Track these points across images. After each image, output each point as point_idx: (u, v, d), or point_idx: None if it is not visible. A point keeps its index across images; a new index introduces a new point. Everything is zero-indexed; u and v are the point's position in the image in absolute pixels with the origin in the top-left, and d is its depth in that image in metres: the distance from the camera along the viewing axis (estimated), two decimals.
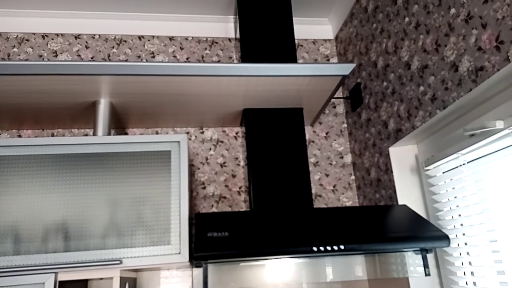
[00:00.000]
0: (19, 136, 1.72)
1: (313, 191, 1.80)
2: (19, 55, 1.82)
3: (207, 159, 1.78)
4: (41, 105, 1.52)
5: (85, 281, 1.52)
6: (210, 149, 1.80)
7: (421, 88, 1.28)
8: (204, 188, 1.74)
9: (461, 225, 1.24)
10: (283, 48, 1.69)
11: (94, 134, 1.50)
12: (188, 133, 1.80)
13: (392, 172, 1.47)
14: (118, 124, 1.73)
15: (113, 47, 1.89)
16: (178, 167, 1.38)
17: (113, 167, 1.35)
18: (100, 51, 1.88)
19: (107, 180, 1.34)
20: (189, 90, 1.48)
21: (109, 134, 1.52)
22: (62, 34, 1.88)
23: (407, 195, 1.44)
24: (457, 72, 1.11)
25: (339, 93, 1.99)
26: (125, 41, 1.91)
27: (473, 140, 1.14)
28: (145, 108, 1.60)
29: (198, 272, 1.60)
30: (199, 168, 1.77)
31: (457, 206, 1.26)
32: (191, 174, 1.75)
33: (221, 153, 1.80)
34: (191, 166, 1.76)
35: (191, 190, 1.71)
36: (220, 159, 1.79)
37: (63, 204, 1.29)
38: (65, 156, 1.34)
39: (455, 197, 1.27)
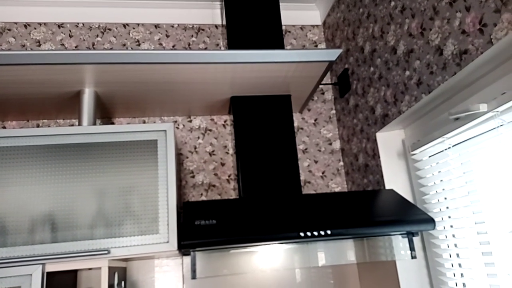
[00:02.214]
0: (3, 127, 1.70)
1: (302, 177, 1.81)
2: (0, 45, 1.78)
3: (195, 147, 1.78)
4: (25, 96, 1.49)
5: (74, 273, 1.52)
6: (198, 137, 1.79)
7: (407, 72, 1.28)
8: (193, 177, 1.73)
9: (447, 208, 1.26)
10: (270, 34, 1.67)
11: (79, 124, 1.48)
12: (175, 122, 1.79)
13: (379, 157, 1.48)
14: (104, 114, 1.71)
15: (97, 36, 1.86)
16: (165, 156, 1.37)
17: (99, 157, 1.34)
18: (84, 40, 1.85)
19: (94, 170, 1.32)
20: (176, 78, 1.47)
21: (94, 124, 1.50)
22: (45, 23, 1.84)
23: (394, 179, 1.45)
24: (442, 56, 1.11)
25: (327, 79, 1.98)
26: (109, 29, 1.88)
27: (458, 123, 1.15)
28: (131, 97, 1.59)
29: (188, 260, 1.61)
30: (187, 157, 1.76)
31: (443, 189, 1.27)
32: (180, 163, 1.74)
33: (210, 142, 1.80)
34: (179, 155, 1.75)
35: (180, 179, 1.71)
36: (208, 148, 1.79)
37: (50, 195, 1.28)
38: (51, 147, 1.32)
39: (441, 180, 1.28)
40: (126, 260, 1.54)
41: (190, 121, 1.81)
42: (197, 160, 1.76)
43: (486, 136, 1.10)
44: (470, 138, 1.16)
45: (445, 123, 1.24)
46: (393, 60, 1.37)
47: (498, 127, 1.04)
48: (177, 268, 1.60)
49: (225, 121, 1.84)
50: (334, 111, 1.93)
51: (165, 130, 1.40)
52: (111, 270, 1.30)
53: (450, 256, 1.24)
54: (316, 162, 1.84)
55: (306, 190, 1.80)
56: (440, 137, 1.22)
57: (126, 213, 1.30)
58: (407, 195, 1.44)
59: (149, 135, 1.39)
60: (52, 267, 1.20)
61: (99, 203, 1.30)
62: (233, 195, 1.74)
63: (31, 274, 1.18)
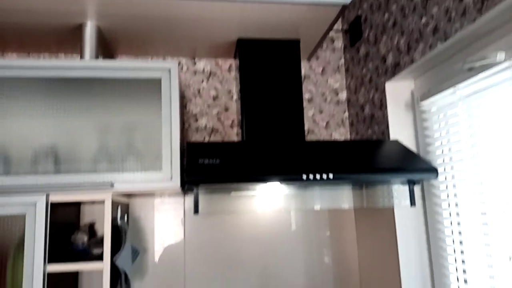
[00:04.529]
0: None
1: (306, 126, 1.80)
2: None
3: (199, 91, 1.75)
4: (25, 26, 1.44)
5: (78, 206, 1.55)
6: (202, 81, 1.76)
7: (424, 19, 1.23)
8: (196, 120, 1.72)
9: (450, 159, 1.26)
10: None
11: (81, 58, 1.44)
12: (179, 63, 1.75)
13: (386, 108, 1.46)
14: (106, 50, 1.66)
15: None
16: (169, 95, 1.34)
17: (102, 93, 1.32)
18: None
19: (97, 106, 1.31)
20: (181, 15, 1.41)
21: (96, 59, 1.46)
22: None
23: (400, 131, 1.44)
24: (462, 1, 1.05)
25: (338, 26, 1.91)
26: None
27: (471, 73, 1.11)
28: (134, 34, 1.53)
29: (189, 199, 1.64)
30: (191, 100, 1.73)
31: (448, 141, 1.26)
32: (183, 106, 1.72)
33: (214, 86, 1.76)
34: (182, 97, 1.72)
35: (183, 122, 1.70)
36: (212, 92, 1.76)
37: (52, 129, 1.27)
38: (53, 80, 1.30)
39: (447, 132, 1.27)
40: (128, 196, 1.56)
41: (195, 63, 1.76)
42: (201, 104, 1.74)
43: (499, 87, 1.07)
44: (482, 90, 1.13)
45: (458, 73, 1.21)
46: (410, 6, 1.30)
47: None
48: (179, 207, 1.63)
49: (230, 66, 1.80)
50: (343, 61, 1.88)
51: (169, 69, 1.36)
52: (114, 204, 1.32)
53: (449, 206, 1.26)
54: (321, 112, 1.82)
55: (309, 139, 1.79)
56: (451, 87, 1.19)
57: (129, 150, 1.30)
58: (411, 146, 1.43)
59: (153, 73, 1.35)
60: (56, 197, 1.22)
61: (102, 139, 1.29)
62: (236, 140, 1.74)
63: (35, 203, 1.20)
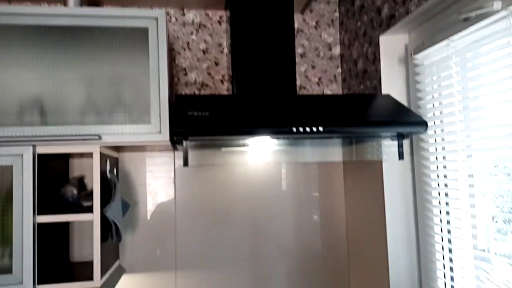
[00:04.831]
0: None
1: (298, 82, 1.77)
2: None
3: (188, 44, 1.69)
4: None
5: (66, 161, 1.54)
6: (191, 33, 1.70)
7: None
8: (186, 74, 1.68)
9: (440, 113, 1.25)
10: None
11: (65, 5, 1.37)
12: (168, 14, 1.68)
13: (379, 62, 1.43)
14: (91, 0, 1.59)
15: None
16: (156, 46, 1.30)
17: (87, 43, 1.27)
18: None
19: (82, 56, 1.26)
20: None
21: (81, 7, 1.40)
22: None
23: (392, 85, 1.43)
24: None
25: None
26: None
27: (467, 24, 1.09)
28: None
29: (180, 155, 1.63)
30: (180, 53, 1.68)
31: (439, 94, 1.26)
32: (172, 59, 1.68)
33: (204, 38, 1.71)
34: (171, 50, 1.67)
35: (171, 76, 1.66)
36: (202, 45, 1.71)
37: (37, 79, 1.23)
38: (36, 29, 1.24)
39: (438, 85, 1.26)
40: (118, 151, 1.55)
41: (183, 14, 1.70)
42: (190, 57, 1.69)
43: (493, 38, 1.04)
44: (476, 42, 1.11)
45: (453, 25, 1.18)
46: None
47: (510, 28, 0.98)
48: (169, 162, 1.63)
49: (220, 17, 1.73)
50: (337, 14, 1.82)
51: (156, 18, 1.31)
52: (103, 157, 1.31)
53: (437, 159, 1.28)
54: (313, 67, 1.79)
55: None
56: (446, 39, 1.17)
57: (117, 102, 1.27)
58: (403, 101, 1.43)
59: (139, 22, 1.30)
60: (43, 149, 1.21)
61: (89, 91, 1.26)
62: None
63: (22, 154, 1.18)
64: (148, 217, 1.60)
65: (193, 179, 1.64)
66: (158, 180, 1.61)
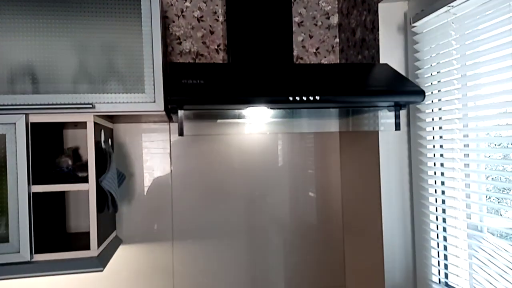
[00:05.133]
0: None
1: (295, 53, 1.74)
2: None
3: (182, 11, 1.65)
4: None
5: (61, 132, 1.53)
6: (185, 0, 1.65)
7: None
8: (180, 43, 1.64)
9: (438, 81, 1.24)
10: None
11: None
12: None
13: (378, 30, 1.40)
14: None
15: None
16: (149, 12, 1.26)
17: (79, 9, 1.22)
18: None
19: (73, 23, 1.22)
20: None
21: None
22: None
23: (390, 54, 1.40)
24: None
25: None
26: None
27: None
28: None
29: (176, 126, 1.62)
30: (173, 21, 1.64)
31: (437, 63, 1.24)
32: (165, 27, 1.63)
33: (198, 6, 1.66)
34: (164, 18, 1.63)
35: (165, 45, 1.62)
36: (197, 13, 1.66)
37: (28, 47, 1.19)
38: None
39: (437, 54, 1.24)
40: (112, 121, 1.53)
41: None
42: (184, 25, 1.65)
43: (493, 4, 1.02)
44: (476, 8, 1.08)
45: None
46: None
47: None
48: (165, 133, 1.62)
49: None
50: None
51: None
52: (97, 128, 1.30)
53: (433, 129, 1.27)
54: (311, 37, 1.75)
55: None
56: (445, 5, 1.14)
57: (110, 71, 1.24)
58: (401, 70, 1.41)
59: None
60: (36, 118, 1.19)
61: (81, 59, 1.23)
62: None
63: (15, 123, 1.16)
64: (144, 189, 1.60)
65: (189, 152, 1.64)
66: (153, 152, 1.61)
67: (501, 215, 1.14)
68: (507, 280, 1.02)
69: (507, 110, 1.00)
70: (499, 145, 1.07)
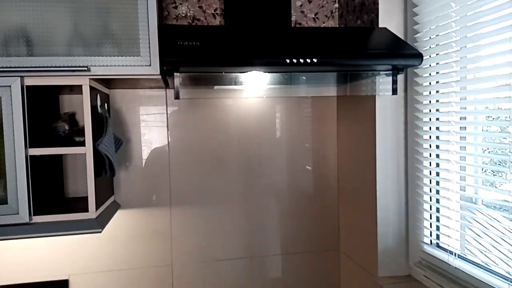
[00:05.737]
0: None
1: (293, 18, 1.71)
2: None
3: None
4: None
5: (57, 97, 1.52)
6: None
7: None
8: (176, 7, 1.61)
9: (437, 45, 1.23)
10: None
11: None
12: None
13: None
14: None
15: None
16: None
17: None
18: None
19: None
20: None
21: None
22: None
23: (389, 19, 1.38)
24: None
25: None
26: None
27: None
28: None
29: (172, 92, 1.61)
30: None
31: (437, 26, 1.22)
32: None
33: None
34: None
35: (161, 8, 1.59)
36: None
37: (22, 9, 1.17)
38: None
39: (436, 16, 1.22)
40: (109, 87, 1.52)
41: None
42: None
43: None
44: None
45: None
46: None
47: None
48: (161, 99, 1.61)
49: None
50: None
51: None
52: (93, 92, 1.29)
53: (430, 93, 1.27)
54: (309, 2, 1.72)
55: None
56: None
57: (105, 34, 1.22)
58: (400, 34, 1.39)
59: None
60: (31, 81, 1.18)
61: (76, 21, 1.21)
62: None
63: (10, 86, 1.15)
64: (141, 155, 1.61)
65: (186, 118, 1.63)
66: (150, 118, 1.60)
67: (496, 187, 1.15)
68: (497, 242, 1.04)
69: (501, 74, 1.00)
70: (497, 118, 1.06)
